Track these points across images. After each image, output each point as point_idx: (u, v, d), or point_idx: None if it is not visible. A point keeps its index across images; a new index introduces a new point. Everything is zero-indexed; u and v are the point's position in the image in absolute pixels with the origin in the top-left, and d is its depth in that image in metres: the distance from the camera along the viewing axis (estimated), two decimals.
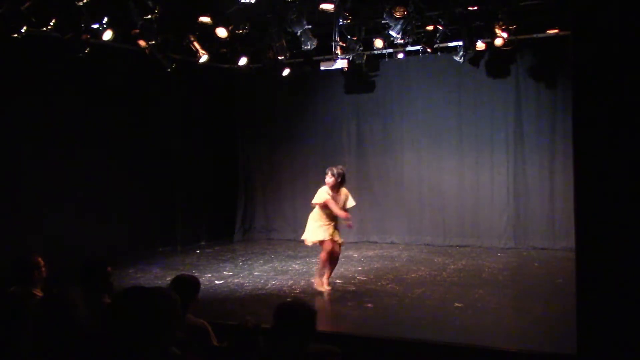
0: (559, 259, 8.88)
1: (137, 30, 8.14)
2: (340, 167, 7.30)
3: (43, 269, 4.41)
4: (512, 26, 8.70)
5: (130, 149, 9.95)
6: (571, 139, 4.31)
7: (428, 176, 10.83)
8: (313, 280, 7.53)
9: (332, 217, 7.16)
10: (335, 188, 7.13)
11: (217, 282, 8.04)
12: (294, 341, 2.97)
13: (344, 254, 9.87)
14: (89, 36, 7.87)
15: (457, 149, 10.59)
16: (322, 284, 7.29)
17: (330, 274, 7.40)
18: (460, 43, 9.20)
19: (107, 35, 7.93)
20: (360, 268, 8.79)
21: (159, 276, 8.33)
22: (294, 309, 3.11)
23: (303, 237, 7.40)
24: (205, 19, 8.18)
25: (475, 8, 8.39)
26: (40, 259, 4.40)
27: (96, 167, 9.33)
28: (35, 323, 2.86)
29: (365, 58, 9.91)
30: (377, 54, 10.28)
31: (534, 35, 9.30)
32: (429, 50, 9.31)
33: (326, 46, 9.44)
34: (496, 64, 10.10)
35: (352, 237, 11.11)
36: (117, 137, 9.70)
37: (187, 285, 4.09)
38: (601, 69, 4.11)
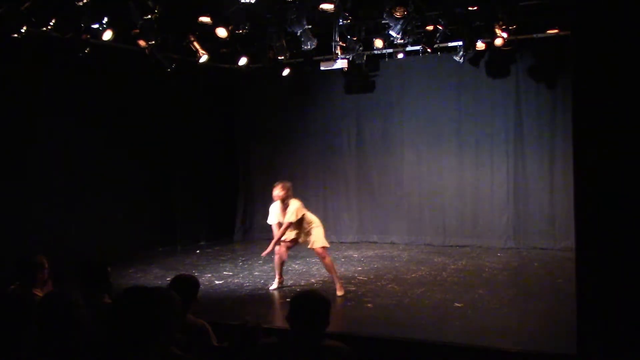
0: (559, 259, 8.89)
1: (137, 30, 8.15)
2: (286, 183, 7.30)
3: (46, 269, 4.40)
4: (512, 26, 8.69)
5: (130, 148, 9.94)
6: (571, 139, 4.32)
7: (428, 176, 10.83)
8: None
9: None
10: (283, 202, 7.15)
11: (217, 282, 8.04)
12: (311, 331, 2.96)
13: (344, 253, 9.94)
14: (89, 36, 7.87)
15: (457, 149, 10.59)
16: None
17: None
18: (460, 43, 9.19)
19: (107, 35, 7.93)
20: (360, 268, 8.79)
21: (159, 276, 8.34)
22: (311, 299, 3.09)
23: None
24: (205, 19, 8.18)
25: (475, 8, 8.38)
26: (44, 260, 4.39)
27: (96, 166, 9.32)
28: (36, 323, 2.86)
29: (365, 58, 9.90)
30: (377, 54, 10.28)
31: (534, 35, 9.29)
32: (429, 50, 9.31)
33: (326, 46, 9.44)
34: (496, 64, 10.10)
35: (352, 237, 11.16)
36: (116, 137, 9.69)
37: (187, 285, 4.08)
38: (601, 69, 4.11)
